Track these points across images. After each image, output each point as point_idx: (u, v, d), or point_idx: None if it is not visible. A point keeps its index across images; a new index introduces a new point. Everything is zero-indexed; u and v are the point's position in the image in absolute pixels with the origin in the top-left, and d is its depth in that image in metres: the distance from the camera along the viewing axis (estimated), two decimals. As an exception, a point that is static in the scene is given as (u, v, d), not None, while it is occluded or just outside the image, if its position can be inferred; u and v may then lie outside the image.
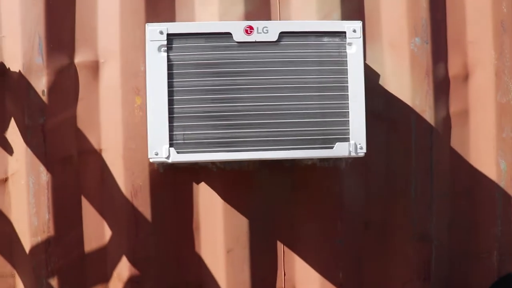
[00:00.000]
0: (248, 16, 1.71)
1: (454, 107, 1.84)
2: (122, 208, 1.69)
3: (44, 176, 1.65)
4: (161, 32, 1.41)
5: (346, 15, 1.77)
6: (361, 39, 1.45)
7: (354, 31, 1.45)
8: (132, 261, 1.70)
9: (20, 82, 1.65)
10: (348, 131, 1.45)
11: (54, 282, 1.67)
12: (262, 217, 1.77)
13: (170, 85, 1.42)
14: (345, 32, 1.45)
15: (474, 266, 1.87)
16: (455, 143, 1.84)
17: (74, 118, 1.69)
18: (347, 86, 1.44)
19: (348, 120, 1.45)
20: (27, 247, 1.67)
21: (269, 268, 1.78)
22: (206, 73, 1.43)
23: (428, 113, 1.81)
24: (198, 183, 1.75)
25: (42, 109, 1.65)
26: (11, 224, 1.68)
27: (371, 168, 1.79)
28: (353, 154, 1.45)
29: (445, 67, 1.83)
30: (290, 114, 1.44)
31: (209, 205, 1.74)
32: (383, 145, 1.79)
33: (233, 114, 1.43)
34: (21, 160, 1.65)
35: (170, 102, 1.42)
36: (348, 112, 1.45)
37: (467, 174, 1.85)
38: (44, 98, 1.65)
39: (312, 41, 1.45)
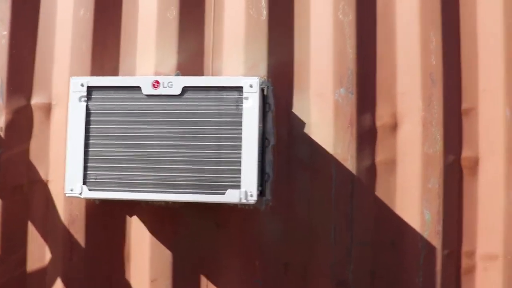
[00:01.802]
0: (180, 68, 1.88)
1: (380, 157, 1.89)
2: (60, 234, 1.90)
3: (-4, 202, 1.90)
4: (82, 85, 1.62)
5: (273, 66, 1.89)
6: (257, 93, 1.58)
7: (251, 86, 1.58)
8: (65, 283, 1.89)
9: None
10: (239, 179, 1.56)
11: (-2, 296, 1.91)
12: (187, 252, 1.90)
13: (87, 130, 1.62)
14: (242, 87, 1.58)
15: (397, 315, 1.89)
16: (380, 192, 1.89)
17: (27, 152, 1.93)
18: (241, 137, 1.57)
19: (240, 169, 1.56)
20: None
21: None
22: (118, 121, 1.61)
23: (349, 162, 1.87)
24: (131, 216, 1.92)
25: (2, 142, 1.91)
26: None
27: (291, 211, 1.88)
28: (243, 201, 1.56)
29: (372, 117, 1.89)
30: (188, 161, 1.59)
31: (139, 237, 1.91)
32: (305, 191, 1.88)
33: (139, 159, 1.60)
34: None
35: (86, 146, 1.62)
36: (240, 161, 1.56)
37: (392, 224, 1.89)
38: (2, 133, 1.90)
39: (212, 95, 1.59)
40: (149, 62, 1.91)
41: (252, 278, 1.88)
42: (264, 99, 1.86)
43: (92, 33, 1.90)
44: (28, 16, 1.96)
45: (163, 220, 1.90)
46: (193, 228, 1.90)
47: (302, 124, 1.89)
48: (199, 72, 1.88)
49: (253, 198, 1.56)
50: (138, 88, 1.61)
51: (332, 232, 1.87)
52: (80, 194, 1.61)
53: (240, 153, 1.57)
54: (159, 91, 1.60)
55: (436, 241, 1.87)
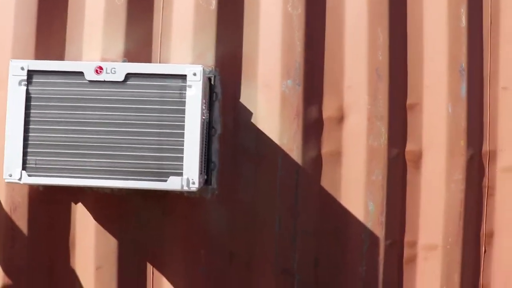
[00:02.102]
0: (128, 55, 1.87)
1: (326, 148, 1.92)
2: (2, 221, 1.87)
3: None
4: (22, 68, 1.59)
5: (221, 56, 1.90)
6: (201, 82, 1.58)
7: (195, 74, 1.58)
8: (7, 271, 1.86)
9: None
10: (182, 166, 1.57)
11: None
12: (133, 239, 1.90)
13: (27, 115, 1.59)
14: (186, 76, 1.58)
15: (340, 303, 1.94)
16: (325, 183, 1.92)
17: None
18: (184, 125, 1.57)
19: (182, 156, 1.57)
20: None
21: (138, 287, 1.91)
22: (60, 106, 1.59)
23: (295, 152, 1.90)
24: (76, 203, 1.90)
25: None
26: None
27: (236, 200, 1.90)
28: (185, 188, 1.57)
29: (318, 109, 1.92)
30: (130, 148, 1.58)
31: (84, 224, 1.89)
32: (250, 180, 1.90)
33: (80, 145, 1.59)
34: None
35: (26, 131, 1.59)
36: (183, 149, 1.57)
37: (336, 214, 1.92)
38: None
39: (156, 82, 1.59)
40: (95, 49, 1.88)
41: (197, 267, 1.89)
42: (211, 88, 1.86)
43: (37, 17, 1.86)
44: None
45: (109, 207, 1.89)
46: (139, 215, 1.90)
47: (249, 113, 1.91)
48: (147, 59, 1.87)
49: (195, 186, 1.56)
50: (80, 74, 1.59)
51: (277, 221, 1.90)
52: (19, 179, 1.58)
53: (183, 140, 1.57)
54: (102, 77, 1.59)
55: (379, 231, 1.92)
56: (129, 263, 1.90)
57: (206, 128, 1.85)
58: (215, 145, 1.89)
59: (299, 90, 1.90)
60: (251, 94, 1.91)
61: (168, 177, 1.57)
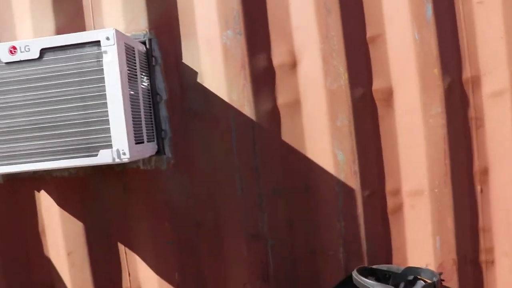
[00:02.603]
0: (60, 31, 1.79)
1: (282, 99, 1.75)
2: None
3: None
4: None
5: (154, 17, 1.77)
6: (115, 46, 1.46)
7: (108, 38, 1.46)
8: (-17, 264, 1.90)
9: None
10: (110, 138, 1.48)
11: None
12: (99, 220, 1.85)
13: (-49, 108, 1.56)
14: (100, 41, 1.47)
15: (321, 264, 1.78)
16: (286, 136, 1.76)
17: None
18: (105, 94, 1.47)
19: (109, 128, 1.47)
20: None
21: (113, 268, 1.87)
22: (-19, 94, 1.55)
23: (247, 108, 1.74)
24: (39, 190, 1.89)
25: None
26: None
27: (194, 167, 1.79)
28: (117, 160, 1.47)
29: (267, 57, 1.75)
30: (57, 126, 1.50)
31: (49, 211, 1.87)
32: (205, 144, 1.77)
33: (7, 131, 1.54)
34: None
35: (-46, 124, 1.57)
36: (108, 119, 1.47)
37: (303, 169, 1.76)
38: None
39: (71, 54, 1.49)
40: (27, 29, 1.83)
41: (164, 240, 1.81)
42: (149, 53, 1.75)
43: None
44: None
45: (69, 191, 1.85)
46: (100, 196, 1.85)
47: (194, 73, 1.77)
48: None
49: (126, 157, 1.47)
50: (-5, 57, 1.53)
51: (238, 184, 1.77)
52: (-44, 172, 1.57)
53: (106, 111, 1.47)
54: (17, 56, 1.51)
55: (353, 182, 1.74)
56: (98, 245, 1.86)
57: (148, 95, 1.75)
58: (163, 112, 1.78)
59: (241, 40, 1.73)
60: (193, 52, 1.77)
61: (99, 151, 1.48)
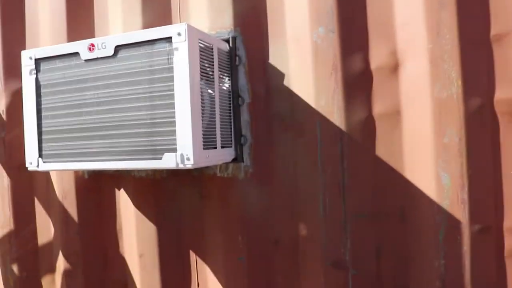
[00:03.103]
0: (147, 27, 1.73)
1: (379, 107, 1.50)
2: (57, 209, 1.94)
3: (6, 179, 2.01)
4: (31, 58, 1.58)
5: (240, 13, 1.62)
6: (186, 42, 1.34)
7: (179, 34, 1.35)
8: (66, 255, 1.92)
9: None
10: (175, 141, 1.37)
11: (15, 268, 2.02)
12: (172, 225, 1.77)
13: (38, 103, 1.58)
14: (171, 37, 1.37)
15: (414, 306, 1.49)
16: (381, 151, 1.50)
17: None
18: (173, 94, 1.36)
19: (175, 130, 1.36)
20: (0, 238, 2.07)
21: (182, 277, 1.78)
22: (62, 91, 1.54)
23: (336, 116, 1.52)
24: (119, 189, 1.86)
25: (3, 124, 2.01)
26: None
27: (274, 179, 1.61)
28: (180, 165, 1.36)
29: (363, 59, 1.50)
30: (125, 126, 1.44)
31: (127, 211, 1.84)
32: (288, 154, 1.59)
33: (81, 128, 1.51)
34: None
35: (39, 119, 1.58)
36: (174, 121, 1.36)
37: (399, 191, 1.48)
38: (4, 116, 2.00)
39: (143, 50, 1.41)
40: (118, 26, 1.81)
41: (236, 255, 1.67)
42: (231, 52, 1.61)
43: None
44: None
45: (146, 192, 1.80)
46: (175, 199, 1.76)
47: (280, 75, 1.59)
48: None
49: (190, 162, 1.34)
50: (76, 55, 1.51)
51: (321, 202, 1.55)
52: (38, 166, 1.59)
53: (174, 112, 1.36)
54: (95, 54, 1.48)
55: (460, 212, 1.42)
56: (170, 250, 1.78)
57: (228, 97, 1.61)
58: (245, 116, 1.63)
59: (333, 38, 1.51)
60: (281, 52, 1.59)
61: (163, 154, 1.38)
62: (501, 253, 1.41)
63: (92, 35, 1.87)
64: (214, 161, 1.49)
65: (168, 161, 1.38)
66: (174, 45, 1.36)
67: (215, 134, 1.49)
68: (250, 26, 1.62)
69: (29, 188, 2.01)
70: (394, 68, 1.48)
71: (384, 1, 1.48)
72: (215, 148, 1.49)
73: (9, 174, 2.00)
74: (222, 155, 1.53)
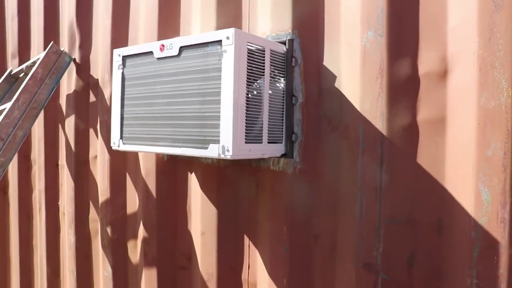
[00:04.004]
0: (219, 28, 1.91)
1: (424, 114, 1.47)
2: (141, 184, 2.24)
3: (106, 155, 2.38)
4: (119, 55, 1.87)
5: (298, 18, 1.71)
6: (233, 45, 1.48)
7: (228, 38, 1.49)
8: (145, 225, 2.22)
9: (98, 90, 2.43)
10: (219, 134, 1.52)
11: (109, 230, 2.39)
12: (231, 209, 1.94)
13: (123, 94, 1.87)
14: (221, 41, 1.52)
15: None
16: (423, 159, 1.47)
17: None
18: (220, 92, 1.51)
19: (219, 124, 1.52)
20: (100, 203, 2.45)
21: (236, 258, 1.94)
22: (140, 84, 1.80)
23: (379, 120, 1.52)
24: (191, 172, 2.09)
25: (107, 109, 2.37)
26: (97, 185, 2.50)
27: (320, 176, 1.67)
28: (222, 156, 1.51)
29: (412, 64, 1.48)
30: (182, 117, 1.63)
31: (195, 192, 2.06)
32: (334, 154, 1.64)
33: (151, 117, 1.75)
34: (96, 146, 2.45)
35: (122, 107, 1.87)
36: (219, 116, 1.52)
37: (437, 201, 1.44)
38: (108, 102, 2.36)
39: (200, 52, 1.59)
40: (196, 27, 2.02)
41: (281, 244, 1.77)
42: (288, 54, 1.70)
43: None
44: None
45: (210, 178, 1.99)
46: (235, 186, 1.92)
47: (333, 78, 1.64)
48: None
49: (229, 153, 1.49)
50: (151, 53, 1.75)
51: (358, 203, 1.57)
52: (119, 147, 1.88)
53: (219, 108, 1.52)
54: (165, 53, 1.69)
55: (499, 232, 1.33)
56: (227, 232, 1.96)
57: (282, 96, 1.71)
58: (297, 115, 1.72)
59: (381, 42, 1.51)
60: (334, 55, 1.64)
61: (209, 144, 1.55)
62: (546, 281, 1.30)
63: (178, 34, 2.11)
64: (259, 154, 1.61)
65: (212, 151, 1.54)
66: (223, 48, 1.51)
67: (260, 130, 1.60)
68: (307, 29, 1.69)
69: (123, 164, 2.36)
70: (443, 75, 1.43)
71: (438, 2, 1.43)
72: (260, 142, 1.60)
73: (109, 151, 2.37)
74: (268, 150, 1.64)
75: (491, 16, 1.33)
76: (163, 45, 1.70)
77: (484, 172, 1.34)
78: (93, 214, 2.58)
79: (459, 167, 1.39)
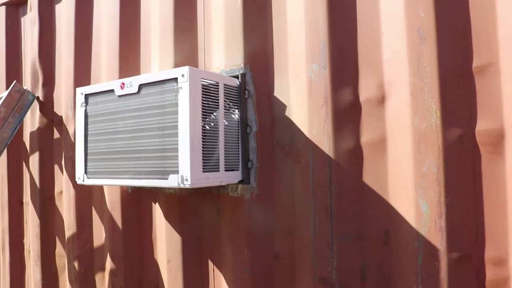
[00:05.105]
0: (177, 65, 2.03)
1: (366, 137, 1.60)
2: (107, 216, 2.29)
3: (72, 191, 2.42)
4: (82, 93, 1.95)
5: (249, 54, 1.84)
6: (188, 82, 1.59)
7: (183, 75, 1.61)
8: (112, 257, 2.26)
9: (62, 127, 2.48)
10: (178, 164, 1.61)
11: (76, 264, 2.41)
12: (194, 236, 2.01)
13: (86, 130, 1.94)
14: (177, 78, 1.63)
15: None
16: (368, 178, 1.60)
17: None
18: (178, 125, 1.61)
19: (177, 155, 1.61)
20: (66, 238, 2.48)
21: (202, 282, 2.00)
22: (102, 121, 1.88)
23: (326, 144, 1.65)
24: (155, 202, 2.16)
25: (72, 145, 2.43)
26: (63, 220, 2.53)
27: (276, 200, 1.78)
28: (181, 185, 1.60)
29: (353, 92, 1.63)
30: (143, 151, 1.72)
31: (159, 221, 2.13)
32: (288, 178, 1.75)
33: (113, 151, 1.83)
34: (61, 182, 2.49)
35: (86, 143, 1.94)
36: (178, 148, 1.61)
37: (383, 216, 1.57)
38: (72, 138, 2.42)
39: (158, 89, 1.69)
40: (155, 64, 2.13)
41: (242, 266, 1.85)
42: (241, 86, 1.83)
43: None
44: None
45: (173, 207, 2.07)
46: (197, 214, 2.00)
47: (283, 107, 1.77)
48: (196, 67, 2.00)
49: (188, 182, 1.58)
50: (112, 91, 1.84)
51: (312, 222, 1.68)
52: (83, 181, 1.94)
53: (177, 140, 1.61)
54: (125, 91, 1.79)
55: (438, 240, 1.46)
56: (192, 258, 2.02)
57: (237, 126, 1.82)
58: (252, 143, 1.83)
59: (325, 73, 1.66)
60: (284, 86, 1.78)
61: (169, 175, 1.64)
62: (481, 284, 1.43)
63: (138, 71, 2.21)
64: (217, 182, 1.71)
65: (172, 181, 1.62)
66: (179, 85, 1.62)
67: (217, 159, 1.70)
68: (258, 63, 1.83)
69: (88, 198, 2.40)
70: (381, 100, 1.58)
71: (373, 37, 1.59)
72: (217, 171, 1.70)
73: (74, 186, 2.41)
74: (225, 177, 1.74)
75: (418, 48, 1.49)
76: (123, 83, 1.80)
77: (421, 186, 1.48)
78: (59, 249, 2.59)
79: (400, 183, 1.53)
